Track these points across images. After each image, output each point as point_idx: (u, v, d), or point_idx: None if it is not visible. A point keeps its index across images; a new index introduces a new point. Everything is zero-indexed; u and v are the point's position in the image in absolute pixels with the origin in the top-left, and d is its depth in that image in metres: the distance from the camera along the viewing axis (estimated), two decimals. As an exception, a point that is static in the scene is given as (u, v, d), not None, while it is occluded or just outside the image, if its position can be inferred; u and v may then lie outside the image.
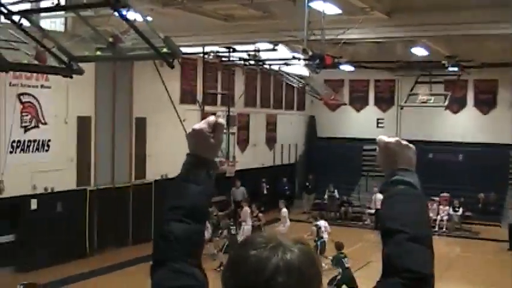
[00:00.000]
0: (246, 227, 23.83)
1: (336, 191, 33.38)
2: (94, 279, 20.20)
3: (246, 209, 24.29)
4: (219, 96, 30.00)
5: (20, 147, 20.60)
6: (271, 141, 35.57)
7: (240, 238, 22.88)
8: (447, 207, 31.24)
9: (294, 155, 37.70)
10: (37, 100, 21.06)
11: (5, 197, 20.11)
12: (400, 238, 2.16)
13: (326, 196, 33.53)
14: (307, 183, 34.87)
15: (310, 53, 18.05)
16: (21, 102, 20.54)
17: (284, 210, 25.28)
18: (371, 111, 37.79)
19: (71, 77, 16.53)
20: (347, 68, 27.48)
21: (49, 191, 21.62)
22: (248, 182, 31.09)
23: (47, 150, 21.57)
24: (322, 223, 23.57)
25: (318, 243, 22.29)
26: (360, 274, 21.96)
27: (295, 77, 30.40)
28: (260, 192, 32.27)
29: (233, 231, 22.55)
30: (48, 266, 19.75)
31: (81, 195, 22.97)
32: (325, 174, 34.04)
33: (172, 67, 13.15)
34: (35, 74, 20.05)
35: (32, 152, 21.07)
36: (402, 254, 2.13)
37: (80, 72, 15.91)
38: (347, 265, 19.18)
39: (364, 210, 32.73)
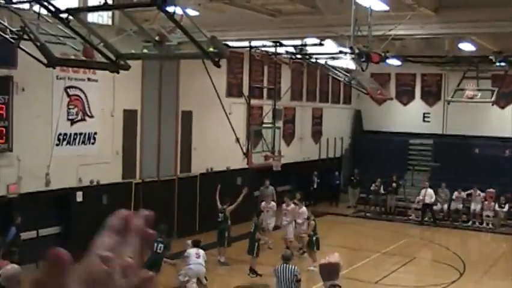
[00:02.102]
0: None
1: (382, 185, 33.09)
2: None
3: (293, 207, 23.81)
4: (265, 90, 29.87)
5: (66, 140, 20.73)
6: (317, 134, 35.38)
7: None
8: (493, 203, 30.75)
9: (340, 149, 37.42)
10: (84, 93, 21.17)
11: (52, 189, 20.28)
12: None
13: (371, 189, 33.28)
14: (352, 177, 34.63)
15: (357, 51, 17.82)
16: (68, 95, 20.66)
17: (292, 206, 24.02)
18: (418, 105, 37.36)
19: (118, 72, 16.58)
20: (393, 62, 27.11)
21: (95, 183, 21.76)
22: (294, 175, 31.01)
23: (93, 143, 21.69)
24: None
25: (314, 238, 21.98)
26: (405, 270, 21.81)
27: (342, 71, 30.15)
28: (309, 186, 32.23)
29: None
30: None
31: (126, 188, 23.07)
32: (370, 168, 33.71)
33: (219, 66, 13.06)
34: (82, 68, 20.16)
35: (79, 144, 21.20)
36: None
37: (127, 67, 15.95)
38: None
39: (409, 205, 32.39)
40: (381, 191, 33.11)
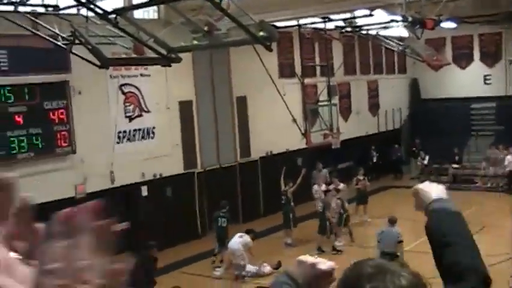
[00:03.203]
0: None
1: (427, 157, 32.59)
2: (208, 260, 20.46)
3: (344, 186, 23.51)
4: (318, 67, 29.70)
5: (126, 137, 21.05)
6: (374, 107, 35.05)
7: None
8: None
9: (399, 120, 37.00)
10: (138, 89, 21.42)
11: (117, 186, 20.62)
12: (458, 247, 2.47)
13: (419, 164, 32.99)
14: (414, 148, 34.22)
15: (410, 19, 17.56)
16: (123, 93, 20.93)
17: (342, 185, 23.15)
18: (477, 68, 36.31)
19: (170, 66, 16.74)
20: (448, 25, 26.49)
21: (158, 176, 22.04)
22: (354, 151, 30.82)
23: (152, 137, 21.96)
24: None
25: (344, 216, 21.80)
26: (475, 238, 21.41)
27: (395, 40, 29.74)
28: (368, 161, 31.98)
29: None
30: (163, 249, 20.11)
31: (189, 178, 23.32)
32: (432, 137, 33.21)
33: (270, 50, 13.06)
34: (134, 64, 20.41)
35: (138, 140, 21.50)
36: (466, 260, 2.40)
37: (178, 60, 16.09)
38: None
39: (475, 172, 31.86)
40: (425, 162, 32.70)
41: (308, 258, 2.22)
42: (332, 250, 20.89)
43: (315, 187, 23.43)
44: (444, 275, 2.45)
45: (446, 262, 2.46)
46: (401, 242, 17.06)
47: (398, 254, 16.80)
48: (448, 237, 2.54)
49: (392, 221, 17.65)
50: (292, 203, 22.16)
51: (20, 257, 0.94)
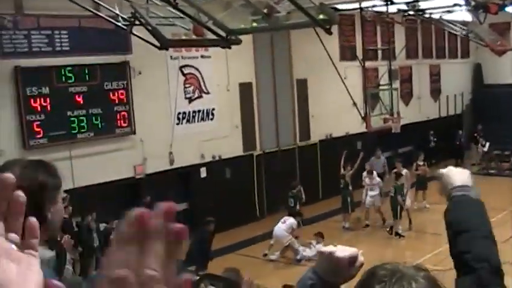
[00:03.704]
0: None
1: (487, 144, 31.93)
2: (266, 242, 20.49)
3: (407, 172, 23.18)
4: (379, 51, 29.37)
5: (186, 118, 21.17)
6: (435, 92, 34.54)
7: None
8: None
9: (461, 105, 36.42)
10: (198, 71, 21.49)
11: (176, 167, 20.77)
12: (471, 236, 2.47)
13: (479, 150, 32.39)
14: (475, 134, 33.63)
15: (473, 3, 17.20)
16: (184, 74, 21.01)
17: (405, 171, 22.85)
18: (542, 53, 35.56)
19: (230, 48, 16.71)
20: (513, 9, 25.93)
21: (217, 158, 22.12)
22: (414, 136, 30.46)
23: (212, 119, 22.03)
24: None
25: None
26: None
27: (458, 24, 29.18)
28: (427, 146, 31.51)
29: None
30: (221, 231, 20.18)
31: (248, 160, 23.36)
32: (494, 123, 32.59)
33: (330, 33, 12.92)
34: (194, 45, 20.46)
35: (198, 121, 21.61)
36: (476, 249, 2.42)
37: (238, 42, 16.06)
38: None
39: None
40: (485, 149, 32.01)
41: (327, 248, 2.18)
42: (395, 235, 20.90)
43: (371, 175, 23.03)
44: (455, 264, 2.48)
45: (457, 250, 2.48)
46: None
47: None
48: (463, 224, 2.55)
49: None
50: (350, 187, 22.09)
51: (15, 248, 0.85)
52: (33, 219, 0.89)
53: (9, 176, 0.86)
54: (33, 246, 0.87)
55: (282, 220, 19.37)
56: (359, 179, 22.73)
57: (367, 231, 21.54)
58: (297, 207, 20.86)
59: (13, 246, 0.85)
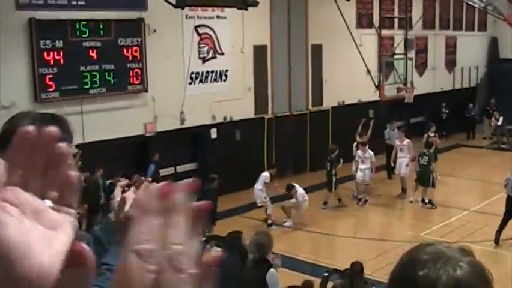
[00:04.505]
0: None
1: (501, 118, 31.72)
2: (274, 206, 20.49)
3: (409, 141, 22.93)
4: (396, 20, 29.11)
5: (198, 78, 21.09)
6: (450, 64, 34.32)
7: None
8: None
9: (475, 78, 36.21)
10: (213, 31, 21.37)
11: (187, 127, 20.75)
12: None
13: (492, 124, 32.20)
14: (488, 108, 33.45)
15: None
16: (198, 34, 20.90)
17: (407, 141, 22.71)
18: (561, 28, 35.25)
19: (246, 9, 16.58)
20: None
21: (228, 120, 22.08)
22: (427, 107, 30.35)
23: (224, 80, 21.96)
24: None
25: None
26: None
27: (477, -4, 28.97)
28: (439, 118, 31.36)
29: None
30: (229, 193, 20.22)
31: (259, 124, 23.30)
32: (507, 98, 32.38)
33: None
34: (210, 6, 20.35)
35: (210, 82, 21.54)
36: None
37: (255, 3, 15.92)
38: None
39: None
40: (499, 123, 31.83)
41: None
42: (428, 203, 20.87)
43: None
44: None
45: None
46: None
47: None
48: None
49: None
50: None
51: (52, 205, 0.81)
52: (74, 173, 0.84)
53: (53, 129, 0.82)
54: (70, 203, 0.84)
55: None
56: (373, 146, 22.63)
57: (376, 202, 21.49)
58: (333, 171, 20.75)
59: (48, 203, 0.81)
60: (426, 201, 20.75)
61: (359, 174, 21.37)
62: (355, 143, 22.43)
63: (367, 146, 21.66)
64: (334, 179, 20.90)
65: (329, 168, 20.75)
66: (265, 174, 19.41)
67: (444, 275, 1.73)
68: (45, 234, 0.76)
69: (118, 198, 2.53)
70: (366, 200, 21.27)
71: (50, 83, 17.17)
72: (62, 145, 0.83)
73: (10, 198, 0.76)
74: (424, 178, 20.85)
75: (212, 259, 0.79)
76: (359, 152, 21.66)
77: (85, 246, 0.77)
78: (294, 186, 18.84)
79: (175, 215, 0.77)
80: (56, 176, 0.83)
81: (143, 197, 0.79)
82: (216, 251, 14.29)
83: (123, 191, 2.58)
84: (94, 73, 18.10)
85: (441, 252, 1.80)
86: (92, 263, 0.75)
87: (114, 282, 0.75)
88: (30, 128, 0.80)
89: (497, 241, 16.94)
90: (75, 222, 0.81)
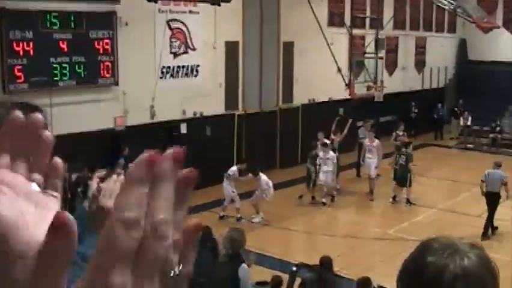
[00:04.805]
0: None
1: (470, 118, 32.08)
2: (242, 202, 20.52)
3: (378, 142, 22.82)
4: (367, 19, 29.28)
5: (169, 73, 21.03)
6: (420, 64, 34.66)
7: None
8: None
9: (444, 79, 36.59)
10: (186, 26, 21.32)
11: (157, 121, 20.67)
12: None
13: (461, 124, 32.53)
14: (456, 108, 33.81)
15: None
16: (171, 29, 20.83)
17: (377, 142, 22.46)
18: (526, 33, 35.79)
19: (219, 5, 16.56)
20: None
21: (198, 115, 22.04)
22: (396, 106, 30.55)
23: (196, 76, 21.92)
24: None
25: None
26: (509, 203, 21.23)
27: (447, -1, 29.21)
28: (408, 117, 31.60)
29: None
30: (198, 189, 20.08)
31: (229, 120, 23.31)
32: (475, 99, 32.82)
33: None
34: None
35: (182, 77, 21.49)
36: None
37: (228, -1, 15.88)
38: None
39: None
40: (469, 123, 32.21)
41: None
42: (407, 203, 21.12)
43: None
44: None
45: None
46: (505, 184, 18.16)
47: (501, 194, 18.24)
48: None
49: (498, 164, 18.77)
50: (337, 152, 22.05)
51: (38, 188, 0.84)
52: (58, 160, 0.88)
53: (39, 116, 0.85)
54: (55, 187, 0.86)
55: None
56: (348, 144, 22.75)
57: (346, 200, 21.59)
58: (313, 168, 20.79)
59: (35, 186, 0.84)
60: (409, 200, 21.07)
61: (322, 176, 20.82)
62: (319, 142, 22.12)
63: (329, 147, 21.24)
64: (313, 175, 20.93)
65: (309, 164, 20.83)
66: (233, 169, 19.40)
67: (451, 263, 1.79)
68: (38, 213, 0.78)
69: (94, 188, 2.53)
70: (333, 197, 21.16)
71: (19, 74, 16.98)
72: (48, 132, 0.86)
73: (2, 178, 0.79)
74: (402, 178, 21.01)
75: (193, 225, 0.82)
76: (321, 153, 21.11)
77: (69, 216, 0.75)
78: (258, 173, 18.86)
79: (161, 184, 0.78)
80: (41, 161, 0.86)
81: (133, 167, 0.78)
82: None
83: (99, 182, 2.59)
84: (64, 65, 17.95)
85: (452, 243, 1.86)
86: (75, 233, 0.75)
87: (98, 249, 0.76)
88: (20, 114, 0.82)
89: (484, 235, 17.88)
90: (60, 205, 0.83)
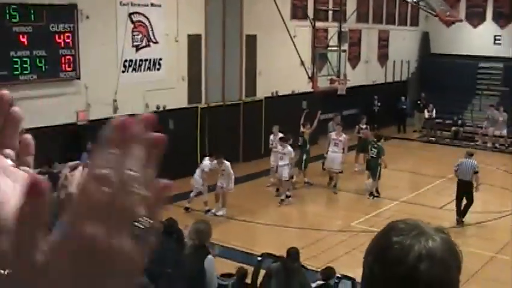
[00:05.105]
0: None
1: (434, 110, 32.38)
2: (207, 195, 20.53)
3: (345, 137, 22.92)
4: (331, 12, 29.36)
5: (132, 67, 20.89)
6: (383, 57, 34.86)
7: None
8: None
9: (407, 72, 36.87)
10: (148, 19, 21.18)
11: (120, 115, 20.34)
12: None
13: (425, 116, 32.79)
14: (419, 101, 34.10)
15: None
16: (132, 22, 20.69)
17: (344, 136, 22.33)
18: (488, 27, 36.29)
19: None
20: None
21: (161, 109, 21.92)
22: (359, 100, 30.70)
23: (158, 69, 21.80)
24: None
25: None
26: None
27: (410, -8, 29.45)
28: (371, 110, 31.78)
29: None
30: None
31: (192, 113, 23.23)
32: (437, 92, 33.16)
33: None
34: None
35: (144, 71, 21.35)
36: None
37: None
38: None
39: (477, 131, 31.84)
40: (434, 115, 32.51)
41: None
42: (370, 195, 21.25)
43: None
44: None
45: None
46: (476, 172, 18.69)
47: (474, 183, 18.76)
48: None
49: (470, 154, 19.40)
50: (308, 145, 22.09)
51: (12, 163, 0.90)
52: (28, 136, 0.94)
53: (7, 92, 0.90)
54: (28, 163, 0.92)
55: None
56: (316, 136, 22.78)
57: (310, 192, 21.66)
58: (305, 156, 21.39)
59: (10, 162, 0.89)
60: (374, 193, 21.16)
61: (279, 170, 20.74)
62: (272, 136, 22.23)
63: (287, 142, 20.92)
64: (304, 157, 21.51)
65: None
66: (205, 163, 19.24)
67: (417, 244, 1.81)
68: (16, 189, 0.84)
69: (64, 178, 2.53)
70: (288, 196, 20.65)
71: (-22, 67, 16.77)
72: (17, 108, 0.91)
73: None
74: (373, 170, 21.17)
75: (163, 184, 0.87)
76: (279, 147, 20.94)
77: (40, 176, 0.81)
78: (223, 161, 18.85)
79: (133, 145, 0.84)
80: (12, 137, 0.92)
81: (106, 129, 0.86)
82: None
83: (72, 170, 2.60)
84: (25, 59, 17.72)
85: (418, 225, 1.88)
86: (47, 193, 0.80)
87: (73, 204, 0.82)
88: None
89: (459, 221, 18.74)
90: None
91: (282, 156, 20.56)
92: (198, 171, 19.16)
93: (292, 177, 21.06)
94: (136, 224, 0.83)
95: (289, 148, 20.72)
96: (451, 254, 1.85)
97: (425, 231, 1.85)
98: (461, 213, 18.85)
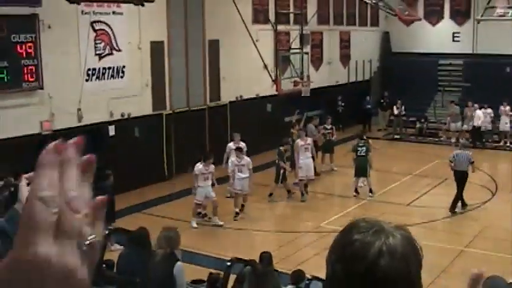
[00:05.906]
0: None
1: (403, 107, 32.71)
2: (173, 202, 20.53)
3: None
4: (292, 15, 29.51)
5: (95, 75, 20.78)
6: (345, 58, 35.13)
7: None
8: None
9: (369, 72, 37.19)
10: (110, 27, 21.11)
11: (84, 124, 20.42)
12: None
13: (394, 113, 33.06)
14: (382, 100, 34.45)
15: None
16: (94, 30, 20.59)
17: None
18: (447, 25, 36.93)
19: (143, 5, 16.47)
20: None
21: (126, 116, 21.87)
22: (323, 101, 30.87)
23: (122, 77, 21.73)
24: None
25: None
26: (436, 191, 21.83)
27: (369, -7, 29.71)
28: (335, 111, 32.00)
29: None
30: (128, 191, 20.06)
31: (158, 120, 23.20)
32: (400, 90, 33.52)
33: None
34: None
35: (108, 79, 21.26)
36: None
37: (152, -1, 15.82)
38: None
39: (440, 127, 32.25)
40: (403, 112, 32.81)
41: None
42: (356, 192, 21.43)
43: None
44: None
45: None
46: (472, 162, 19.73)
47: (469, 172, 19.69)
48: None
49: (464, 145, 21.35)
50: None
51: None
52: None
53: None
54: None
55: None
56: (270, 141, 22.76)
57: (278, 195, 21.68)
58: (281, 164, 20.77)
59: None
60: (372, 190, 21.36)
61: (238, 184, 19.42)
62: (232, 143, 21.36)
63: (244, 150, 20.06)
64: (282, 171, 20.84)
65: (277, 161, 20.80)
66: (200, 167, 18.82)
67: (377, 240, 1.83)
68: None
69: (23, 190, 2.52)
70: (243, 206, 19.84)
71: None
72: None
73: None
74: (362, 168, 21.19)
75: (100, 200, 0.96)
76: (234, 159, 19.84)
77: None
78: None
79: (68, 167, 0.95)
80: None
81: (43, 154, 0.97)
82: (116, 248, 14.22)
83: (28, 184, 2.59)
84: (-14, 70, 17.57)
85: (378, 223, 1.90)
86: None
87: (21, 226, 0.89)
88: None
89: (452, 209, 19.37)
90: None
91: (240, 168, 19.45)
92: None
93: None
94: (83, 241, 0.90)
95: (247, 158, 19.72)
96: (411, 250, 1.87)
97: (385, 229, 1.88)
98: (463, 202, 19.74)
